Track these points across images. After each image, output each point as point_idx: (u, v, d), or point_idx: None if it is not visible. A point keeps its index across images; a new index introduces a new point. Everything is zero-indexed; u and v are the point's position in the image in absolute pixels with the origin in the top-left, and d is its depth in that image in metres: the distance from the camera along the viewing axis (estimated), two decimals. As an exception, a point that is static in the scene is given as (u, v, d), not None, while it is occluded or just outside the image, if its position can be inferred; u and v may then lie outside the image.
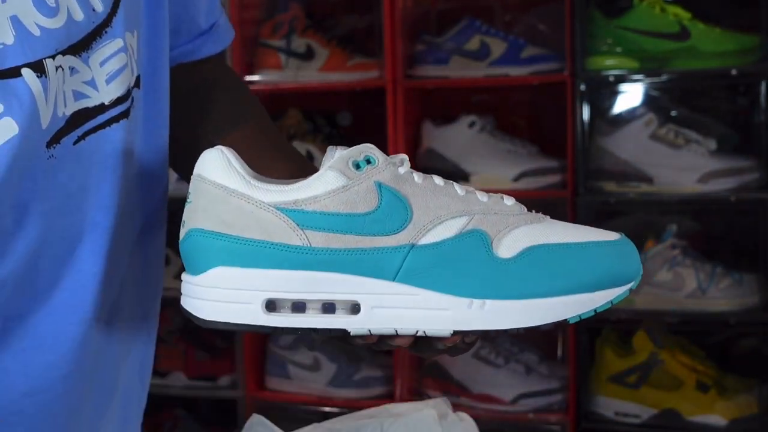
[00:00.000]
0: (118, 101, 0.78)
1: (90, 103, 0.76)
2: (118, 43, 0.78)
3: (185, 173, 0.94)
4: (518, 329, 0.69)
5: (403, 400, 2.25)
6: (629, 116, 2.22)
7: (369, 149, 0.70)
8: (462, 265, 0.68)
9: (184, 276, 0.71)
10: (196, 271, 0.70)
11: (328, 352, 2.36)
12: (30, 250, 0.74)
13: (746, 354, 2.24)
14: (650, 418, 2.13)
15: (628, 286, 0.72)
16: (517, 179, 2.23)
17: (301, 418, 2.27)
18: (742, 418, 2.08)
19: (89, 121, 0.76)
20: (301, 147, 2.35)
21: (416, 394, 2.30)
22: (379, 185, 0.69)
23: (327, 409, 2.32)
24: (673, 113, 2.24)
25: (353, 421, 0.83)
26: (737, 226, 2.30)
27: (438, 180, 0.71)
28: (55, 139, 0.73)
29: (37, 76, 0.71)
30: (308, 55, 2.37)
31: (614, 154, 2.18)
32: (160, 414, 2.60)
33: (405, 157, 0.71)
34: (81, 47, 0.75)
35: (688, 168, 2.13)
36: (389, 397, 2.29)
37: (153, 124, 0.84)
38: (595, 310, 0.70)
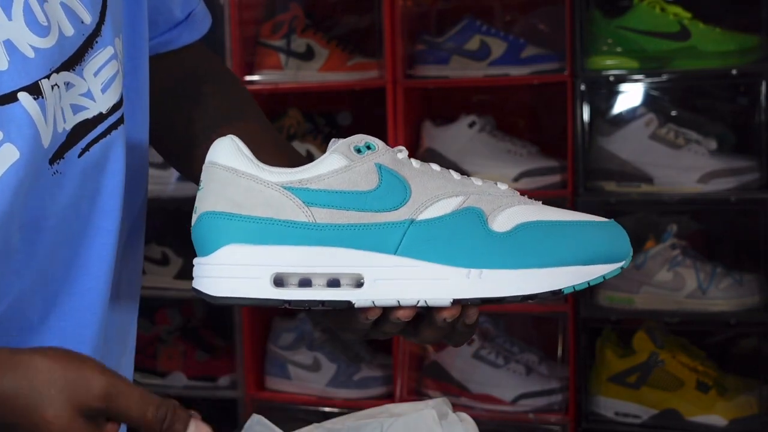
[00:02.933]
0: (115, 108, 0.79)
1: (89, 114, 0.76)
2: (109, 50, 0.78)
3: (182, 169, 0.93)
4: (515, 297, 0.72)
5: (403, 400, 2.25)
6: (629, 116, 2.22)
7: (369, 138, 0.74)
8: (459, 238, 0.72)
9: (195, 260, 0.73)
10: (207, 252, 0.72)
11: (328, 352, 2.36)
12: (41, 262, 0.75)
13: (746, 354, 2.24)
14: (650, 418, 2.13)
15: (620, 264, 0.74)
16: (517, 179, 2.23)
17: (301, 418, 2.28)
18: (742, 418, 2.08)
19: (91, 132, 0.77)
20: (301, 147, 2.35)
21: (416, 394, 2.30)
22: (379, 166, 0.72)
23: (327, 409, 2.31)
24: (673, 113, 2.24)
25: (353, 421, 0.83)
26: (737, 226, 2.30)
27: (435, 167, 0.75)
28: (58, 155, 0.74)
29: (34, 99, 0.71)
30: (308, 55, 2.36)
31: (614, 154, 2.18)
32: (160, 414, 2.60)
33: (403, 147, 0.75)
34: (74, 61, 0.75)
35: (688, 168, 2.13)
36: (389, 397, 2.29)
37: (134, 122, 0.84)
38: (588, 283, 0.73)
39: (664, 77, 2.17)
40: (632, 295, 2.16)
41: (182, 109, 0.92)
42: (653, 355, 2.14)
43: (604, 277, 0.73)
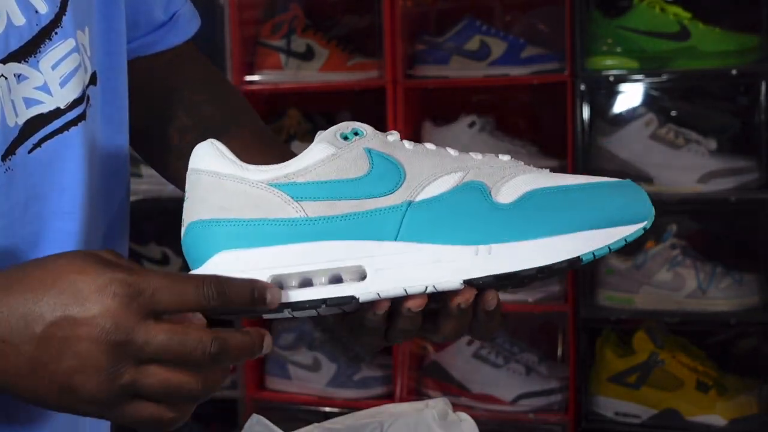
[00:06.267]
0: (75, 103, 0.75)
1: (44, 108, 0.73)
2: (70, 43, 0.74)
3: (166, 173, 0.90)
4: (529, 270, 0.66)
5: (403, 400, 2.25)
6: (629, 116, 2.22)
7: (356, 124, 0.69)
8: (462, 216, 0.67)
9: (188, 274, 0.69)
10: (200, 262, 0.67)
11: (328, 352, 2.36)
12: None
13: (746, 354, 2.24)
14: (650, 418, 2.13)
15: (642, 224, 0.68)
16: (517, 179, 2.23)
17: (301, 418, 2.27)
18: (742, 418, 2.08)
19: (45, 128, 0.73)
20: (301, 147, 2.34)
21: (416, 394, 2.30)
22: (369, 151, 0.68)
23: (327, 409, 2.31)
24: (673, 113, 2.24)
25: (353, 421, 0.83)
26: (737, 226, 2.30)
27: (430, 146, 0.70)
28: (10, 151, 0.71)
29: None
30: (308, 55, 2.36)
31: (614, 154, 2.18)
32: (160, 414, 2.59)
33: (394, 131, 0.71)
34: (26, 52, 0.72)
35: (688, 168, 2.13)
36: (389, 397, 2.29)
37: (112, 122, 0.81)
38: (609, 248, 0.67)
39: (664, 77, 2.17)
40: (632, 295, 2.16)
41: (165, 117, 0.88)
42: (653, 355, 2.14)
43: (625, 239, 0.67)
